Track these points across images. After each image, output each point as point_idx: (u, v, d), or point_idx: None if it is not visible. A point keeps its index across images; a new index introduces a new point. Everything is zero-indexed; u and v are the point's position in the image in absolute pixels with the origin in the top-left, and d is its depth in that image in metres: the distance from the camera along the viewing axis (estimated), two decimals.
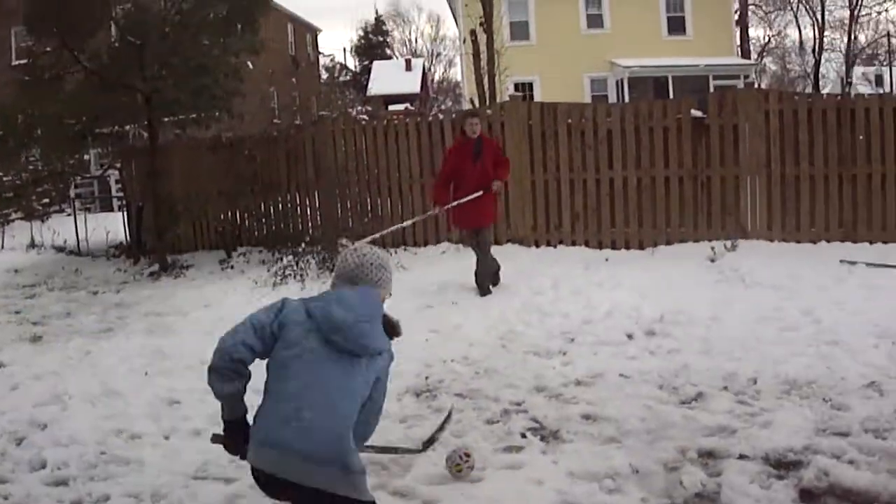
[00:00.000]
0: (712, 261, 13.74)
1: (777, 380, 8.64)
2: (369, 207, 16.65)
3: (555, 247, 15.48)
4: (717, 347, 9.76)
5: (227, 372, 4.65)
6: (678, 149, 15.17)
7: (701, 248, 14.24)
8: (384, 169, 16.67)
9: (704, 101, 15.49)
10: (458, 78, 56.73)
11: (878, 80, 66.90)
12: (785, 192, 14.88)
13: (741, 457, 6.89)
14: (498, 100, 26.77)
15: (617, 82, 41.50)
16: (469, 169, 12.76)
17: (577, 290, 12.51)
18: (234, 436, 4.92)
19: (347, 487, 4.46)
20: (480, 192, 12.71)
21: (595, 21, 42.33)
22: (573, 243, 15.47)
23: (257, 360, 4.75)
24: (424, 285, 13.11)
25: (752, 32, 64.33)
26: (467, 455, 6.66)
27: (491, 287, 12.93)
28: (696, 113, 15.14)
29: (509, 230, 15.72)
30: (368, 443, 5.27)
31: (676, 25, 42.56)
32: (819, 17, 64.47)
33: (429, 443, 7.04)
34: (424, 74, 70.75)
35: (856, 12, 62.79)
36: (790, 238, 14.77)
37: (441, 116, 16.74)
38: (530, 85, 41.08)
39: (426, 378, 9.12)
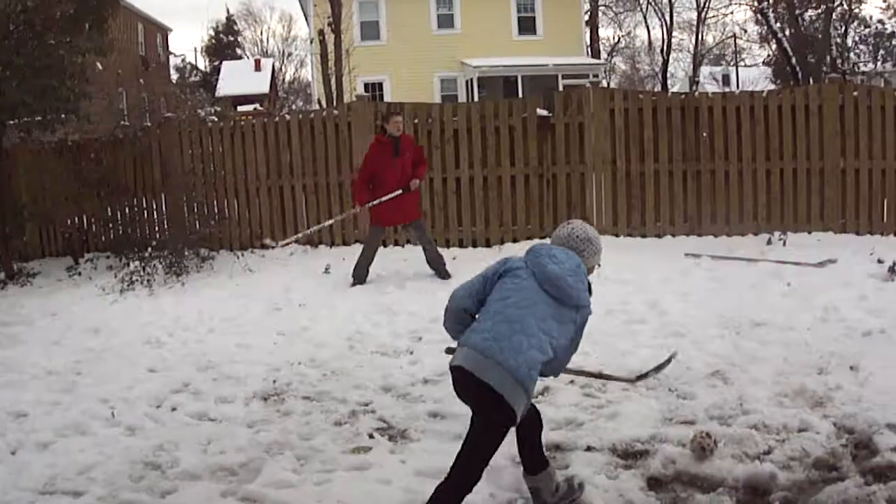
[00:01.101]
0: None
1: (623, 371, 8.76)
2: (216, 210, 16.36)
3: (402, 246, 15.44)
4: None
5: (452, 316, 5.90)
6: (524, 147, 15.33)
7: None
8: (231, 171, 16.40)
9: (551, 100, 15.65)
10: (309, 78, 56.46)
11: (725, 80, 68.67)
12: (630, 188, 15.22)
13: (588, 449, 7.05)
14: (346, 100, 26.66)
15: (467, 82, 41.74)
16: (390, 167, 12.96)
17: (424, 289, 12.54)
18: None
19: (491, 374, 5.32)
20: (399, 191, 12.94)
21: (446, 21, 42.50)
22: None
23: None
24: (272, 287, 12.99)
25: (602, 32, 65.49)
26: (708, 435, 6.79)
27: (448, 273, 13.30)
28: (542, 112, 15.30)
29: (356, 231, 15.64)
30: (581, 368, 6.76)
31: (527, 25, 43.01)
32: (668, 18, 65.70)
33: (642, 377, 7.09)
34: (274, 74, 70.16)
35: (703, 14, 64.18)
36: (636, 233, 15.14)
37: (288, 117, 16.53)
38: (380, 85, 41.08)
39: (274, 381, 9.02)
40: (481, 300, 5.76)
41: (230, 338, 10.77)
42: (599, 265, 6.00)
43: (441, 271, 13.25)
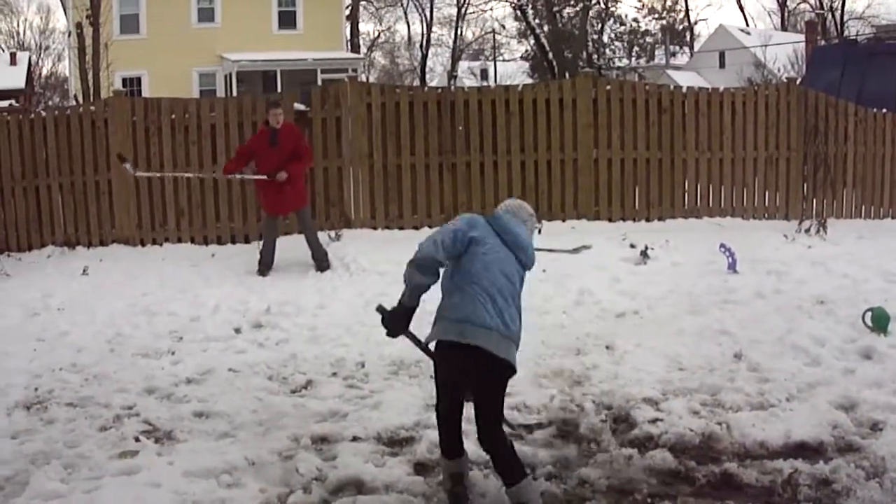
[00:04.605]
0: None
1: (384, 361, 9.01)
2: None
3: (161, 245, 15.08)
4: (325, 335, 10.02)
5: (425, 266, 5.90)
6: None
7: (304, 240, 14.20)
8: None
9: (308, 95, 15.68)
10: (67, 73, 54.72)
11: (483, 74, 69.77)
12: (387, 181, 15.34)
13: (354, 439, 7.12)
14: (104, 95, 26.01)
15: (226, 76, 41.28)
16: (266, 155, 13.02)
17: (185, 288, 12.40)
18: (402, 317, 6.09)
19: (507, 351, 5.76)
20: (264, 176, 13.05)
21: (206, 15, 41.78)
22: (179, 240, 15.16)
23: None
24: (30, 292, 12.56)
25: (362, 27, 65.38)
26: None
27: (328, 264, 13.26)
28: (299, 106, 15.28)
29: (114, 230, 15.18)
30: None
31: (287, 20, 42.79)
32: (428, 13, 66.44)
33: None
34: (30, 69, 67.67)
35: (463, 9, 65.11)
36: (393, 225, 15.26)
37: (44, 113, 15.94)
38: (139, 80, 40.14)
39: (35, 390, 8.66)
40: (451, 256, 5.94)
41: None
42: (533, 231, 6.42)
43: (323, 264, 13.20)
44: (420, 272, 5.89)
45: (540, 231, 6.29)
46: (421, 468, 6.60)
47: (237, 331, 10.46)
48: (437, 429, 6.10)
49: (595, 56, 58.81)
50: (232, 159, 13.57)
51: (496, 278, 5.81)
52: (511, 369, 5.83)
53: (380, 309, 6.20)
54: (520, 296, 5.98)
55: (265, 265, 13.26)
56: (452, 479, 6.08)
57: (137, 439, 7.27)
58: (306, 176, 14.16)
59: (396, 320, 6.09)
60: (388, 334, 6.21)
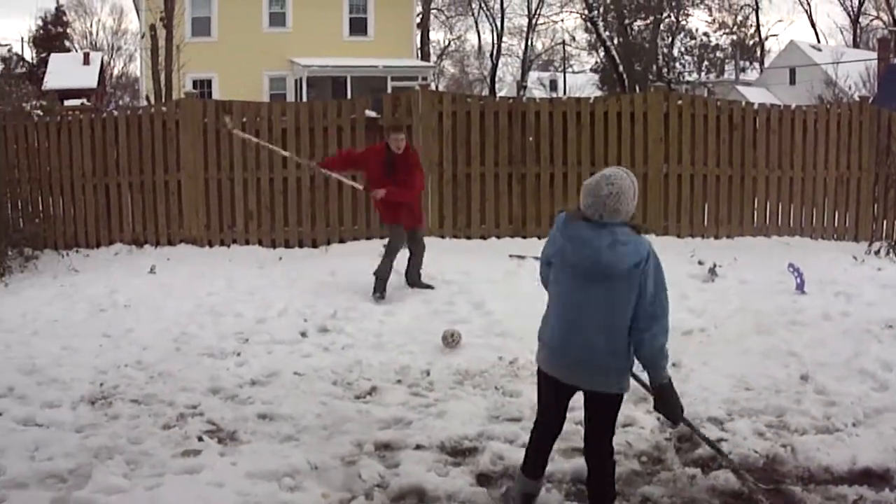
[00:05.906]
0: None
1: (449, 370, 8.99)
2: (41, 208, 15.84)
3: (228, 246, 15.24)
4: (391, 342, 10.01)
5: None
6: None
7: (373, 246, 14.10)
8: (57, 167, 15.75)
9: (380, 102, 15.75)
10: (138, 73, 55.31)
11: (553, 85, 69.76)
12: (456, 190, 15.39)
13: (418, 447, 7.12)
14: (175, 97, 26.27)
15: (296, 81, 41.50)
16: (379, 175, 12.17)
17: (252, 290, 12.45)
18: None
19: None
20: (360, 186, 13.19)
21: (277, 19, 42.08)
22: (247, 242, 15.30)
23: None
24: (97, 288, 12.69)
25: (432, 35, 65.57)
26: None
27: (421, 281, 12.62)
28: (370, 113, 15.34)
29: (182, 230, 15.37)
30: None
31: (358, 26, 42.96)
32: (498, 23, 66.57)
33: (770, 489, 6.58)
34: (103, 69, 68.44)
35: (534, 20, 65.18)
36: (461, 234, 15.30)
37: (116, 113, 16.12)
38: (209, 82, 40.47)
39: (101, 385, 8.76)
40: None
41: (55, 340, 10.38)
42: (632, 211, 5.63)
43: (416, 281, 12.53)
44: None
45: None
46: (484, 479, 6.59)
47: (303, 334, 10.47)
48: (529, 445, 6.07)
49: (665, 70, 58.72)
50: (336, 158, 13.10)
51: (566, 312, 5.77)
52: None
53: (658, 408, 6.06)
54: (615, 311, 5.69)
55: (381, 279, 12.21)
56: (524, 498, 6.03)
57: (201, 438, 7.33)
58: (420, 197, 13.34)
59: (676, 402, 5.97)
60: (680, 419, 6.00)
